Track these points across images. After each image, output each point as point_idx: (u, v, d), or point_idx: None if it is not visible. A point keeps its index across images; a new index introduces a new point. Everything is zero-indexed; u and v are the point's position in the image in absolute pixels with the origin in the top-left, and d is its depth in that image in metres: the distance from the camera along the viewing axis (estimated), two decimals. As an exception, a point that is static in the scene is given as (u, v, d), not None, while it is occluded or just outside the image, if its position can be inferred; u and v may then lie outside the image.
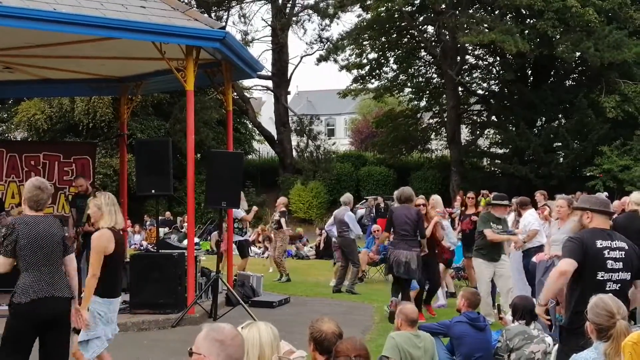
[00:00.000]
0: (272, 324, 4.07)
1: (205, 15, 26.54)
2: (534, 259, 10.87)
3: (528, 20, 34.43)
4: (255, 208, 16.72)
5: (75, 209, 12.87)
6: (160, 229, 20.94)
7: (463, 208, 16.19)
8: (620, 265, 5.53)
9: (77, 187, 13.15)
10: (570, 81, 37.83)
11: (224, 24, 34.08)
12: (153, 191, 12.39)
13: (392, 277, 12.10)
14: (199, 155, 31.59)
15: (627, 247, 5.60)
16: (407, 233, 11.24)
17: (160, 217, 25.44)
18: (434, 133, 41.52)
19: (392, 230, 11.44)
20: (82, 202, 12.05)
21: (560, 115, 36.20)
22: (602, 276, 5.49)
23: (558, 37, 31.54)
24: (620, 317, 4.54)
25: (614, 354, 4.49)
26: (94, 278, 6.73)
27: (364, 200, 29.62)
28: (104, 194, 7.14)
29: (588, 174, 31.57)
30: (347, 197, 16.34)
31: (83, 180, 13.20)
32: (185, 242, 16.85)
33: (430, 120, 41.75)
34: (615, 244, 5.58)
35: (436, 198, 13.74)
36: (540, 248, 11.07)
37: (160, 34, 10.92)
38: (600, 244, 5.55)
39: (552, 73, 37.28)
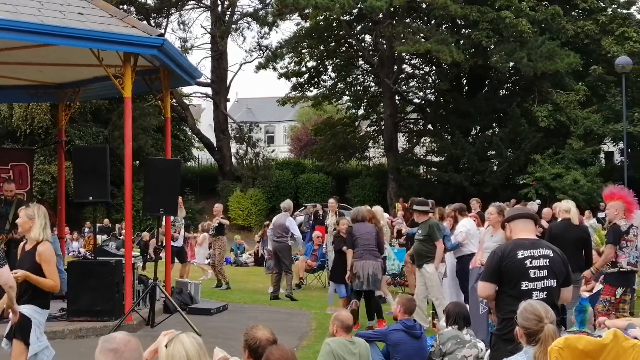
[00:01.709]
0: (204, 331, 4.11)
1: (144, 22, 26.48)
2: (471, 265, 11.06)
3: (463, 30, 35.07)
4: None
5: None
6: (98, 236, 20.74)
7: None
8: (544, 273, 5.56)
9: (7, 192, 12.65)
10: (504, 90, 38.65)
11: (162, 31, 33.83)
12: (90, 198, 12.32)
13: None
14: (137, 162, 31.34)
15: (552, 255, 5.64)
16: (369, 243, 11.50)
17: (98, 224, 25.17)
18: (371, 141, 41.88)
19: (354, 245, 11.59)
20: (6, 209, 11.83)
21: (494, 124, 36.92)
22: (526, 286, 5.53)
23: (492, 47, 32.15)
24: (548, 321, 4.65)
25: (542, 357, 4.60)
26: (56, 288, 6.85)
27: (303, 208, 29.72)
28: (37, 206, 7.13)
29: (521, 182, 32.21)
30: (287, 203, 16.47)
31: (14, 186, 12.88)
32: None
33: (368, 129, 42.10)
34: (539, 252, 5.61)
35: (377, 209, 14.00)
36: (472, 255, 11.28)
37: (97, 40, 10.88)
38: (522, 254, 5.58)
39: (486, 82, 38.02)
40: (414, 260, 13.73)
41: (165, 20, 38.20)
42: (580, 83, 33.05)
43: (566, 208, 10.78)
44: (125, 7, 32.66)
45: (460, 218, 12.46)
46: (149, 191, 11.85)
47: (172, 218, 15.75)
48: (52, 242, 7.03)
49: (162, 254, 14.45)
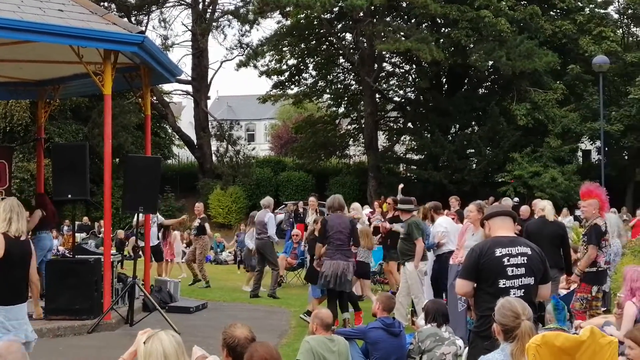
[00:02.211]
0: (183, 329, 4.11)
1: (125, 19, 26.36)
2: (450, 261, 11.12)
3: (443, 29, 35.22)
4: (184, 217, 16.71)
5: None
6: (77, 234, 20.63)
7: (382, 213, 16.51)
8: (522, 270, 5.57)
9: None
10: (483, 89, 38.84)
11: (142, 28, 33.71)
12: (70, 196, 12.30)
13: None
14: (117, 159, 31.22)
15: (530, 252, 5.65)
16: (342, 242, 11.02)
17: (77, 223, 25.08)
18: (352, 139, 41.94)
19: (326, 241, 11.11)
20: None
21: (473, 123, 37.10)
22: (504, 283, 5.54)
23: (472, 46, 32.33)
24: (525, 317, 4.70)
25: (519, 354, 4.65)
26: None
27: (283, 206, 29.72)
28: (7, 199, 7.08)
29: (500, 180, 32.33)
30: (268, 200, 16.38)
31: None
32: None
33: (349, 127, 42.18)
34: (517, 250, 5.63)
35: (356, 205, 14.03)
36: (451, 253, 11.35)
37: (77, 37, 10.84)
38: (500, 252, 5.59)
39: (465, 81, 38.20)
40: (388, 258, 13.92)
41: (146, 17, 38.09)
42: (558, 82, 33.25)
43: (542, 206, 11.11)
44: (105, 4, 32.52)
45: (437, 217, 12.52)
46: (128, 189, 11.83)
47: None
48: (17, 235, 6.91)
49: (141, 252, 14.44)
